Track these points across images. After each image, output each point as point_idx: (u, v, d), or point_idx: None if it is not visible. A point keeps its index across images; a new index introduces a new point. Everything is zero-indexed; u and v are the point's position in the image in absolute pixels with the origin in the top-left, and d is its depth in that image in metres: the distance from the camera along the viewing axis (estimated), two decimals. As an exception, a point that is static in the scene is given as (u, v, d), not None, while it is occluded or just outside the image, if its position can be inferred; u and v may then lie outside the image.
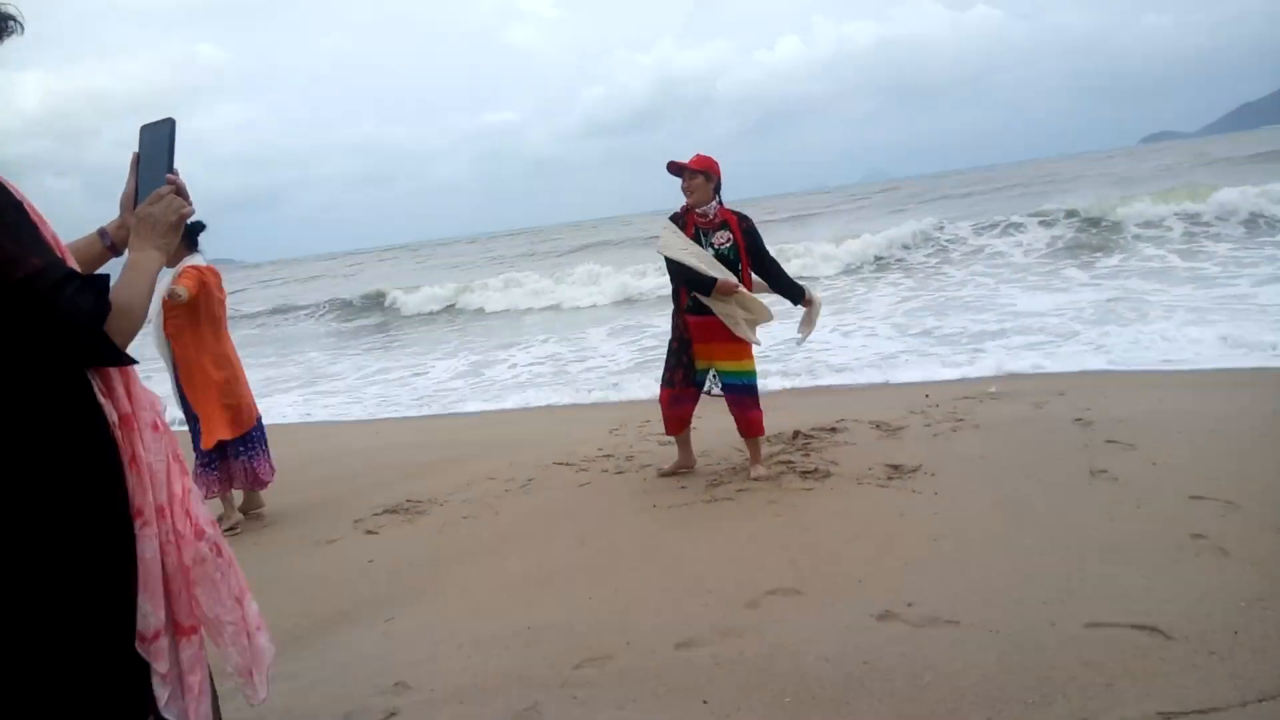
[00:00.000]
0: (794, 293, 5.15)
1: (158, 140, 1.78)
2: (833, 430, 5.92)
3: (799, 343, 5.47)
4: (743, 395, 5.05)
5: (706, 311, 4.91)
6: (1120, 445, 4.84)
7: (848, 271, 17.83)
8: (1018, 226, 18.91)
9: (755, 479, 4.97)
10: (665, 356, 5.20)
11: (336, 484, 5.97)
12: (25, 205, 1.53)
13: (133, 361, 1.58)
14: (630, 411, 7.56)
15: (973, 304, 11.96)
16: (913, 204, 35.81)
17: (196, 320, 4.92)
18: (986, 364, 7.91)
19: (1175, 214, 16.89)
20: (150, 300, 1.64)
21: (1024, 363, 7.77)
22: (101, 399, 1.56)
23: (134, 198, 1.78)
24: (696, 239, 4.94)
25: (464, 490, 5.48)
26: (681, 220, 5.02)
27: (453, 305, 21.63)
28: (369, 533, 4.87)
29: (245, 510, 5.36)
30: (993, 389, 6.99)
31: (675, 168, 4.97)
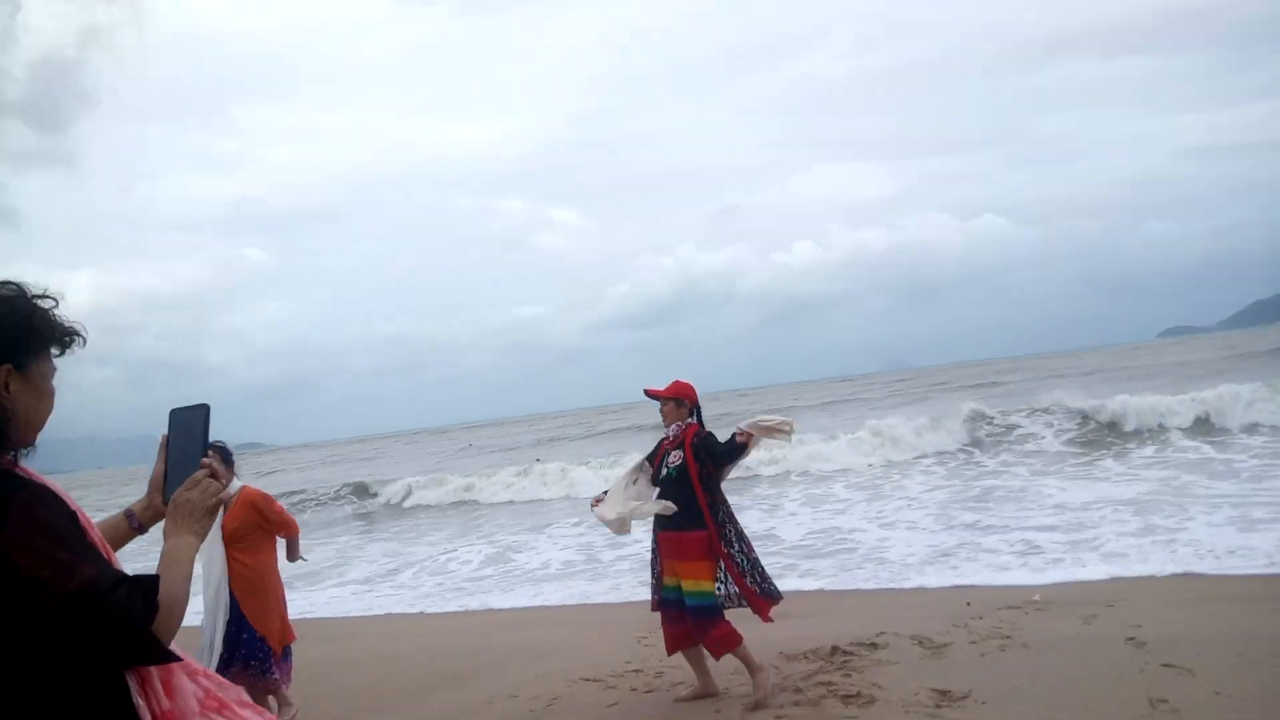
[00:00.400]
0: (735, 448, 5.02)
1: (191, 424, 1.80)
2: (873, 646, 5.66)
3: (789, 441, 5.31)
4: (701, 617, 4.86)
5: (673, 525, 4.89)
6: (1178, 670, 4.57)
7: (885, 464, 17.37)
8: (1047, 411, 18.50)
9: (758, 706, 4.72)
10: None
11: (351, 697, 5.73)
12: (79, 515, 1.59)
13: (178, 659, 1.58)
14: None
15: (1010, 495, 11.78)
16: (936, 393, 35.97)
17: (266, 532, 5.02)
18: (1028, 569, 7.68)
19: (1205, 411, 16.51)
20: (189, 588, 1.64)
21: (1067, 568, 7.52)
22: (138, 699, 1.55)
23: (163, 481, 1.80)
24: (659, 460, 5.13)
25: (484, 711, 5.23)
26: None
27: (471, 488, 21.15)
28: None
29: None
30: (1036, 597, 6.74)
31: (651, 394, 5.18)
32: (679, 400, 5.10)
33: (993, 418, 18.38)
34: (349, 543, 15.89)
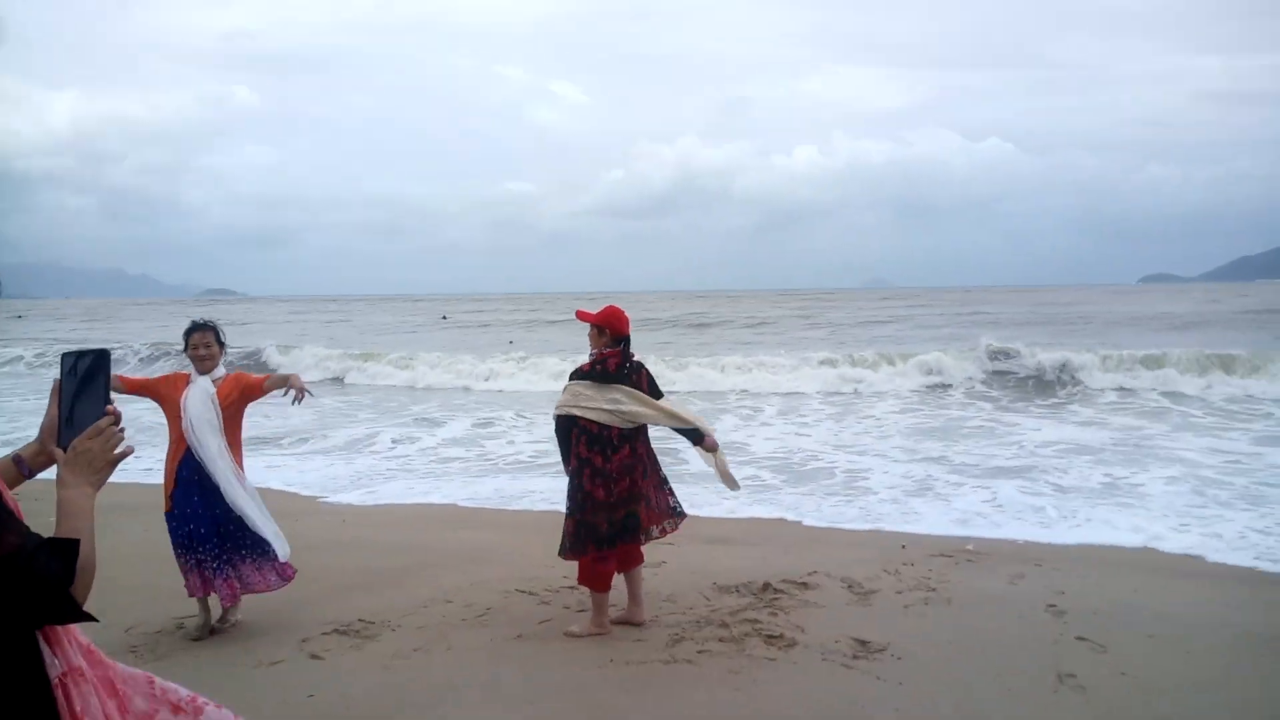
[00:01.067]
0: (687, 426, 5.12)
1: (93, 370, 1.71)
2: (803, 585, 5.80)
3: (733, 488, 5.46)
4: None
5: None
6: (1091, 646, 4.73)
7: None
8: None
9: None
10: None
11: (293, 588, 5.81)
12: None
13: (94, 619, 1.61)
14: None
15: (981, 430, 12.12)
16: (920, 310, 36.17)
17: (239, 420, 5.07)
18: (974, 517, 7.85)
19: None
20: (94, 542, 1.64)
21: (1009, 524, 7.68)
22: (47, 655, 1.60)
23: (57, 428, 1.72)
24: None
25: (420, 613, 5.33)
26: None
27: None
28: (313, 657, 4.70)
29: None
30: (970, 547, 6.91)
31: (580, 316, 5.19)
32: (600, 328, 5.03)
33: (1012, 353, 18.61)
34: (312, 408, 15.88)
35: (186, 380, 4.94)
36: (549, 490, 8.87)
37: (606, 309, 5.10)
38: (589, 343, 5.10)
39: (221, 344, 5.06)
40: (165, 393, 4.90)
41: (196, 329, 4.97)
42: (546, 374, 19.77)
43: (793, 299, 69.50)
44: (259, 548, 4.97)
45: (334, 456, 11.50)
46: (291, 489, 9.53)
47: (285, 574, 5.11)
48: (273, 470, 10.27)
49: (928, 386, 17.44)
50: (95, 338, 39.72)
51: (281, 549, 4.95)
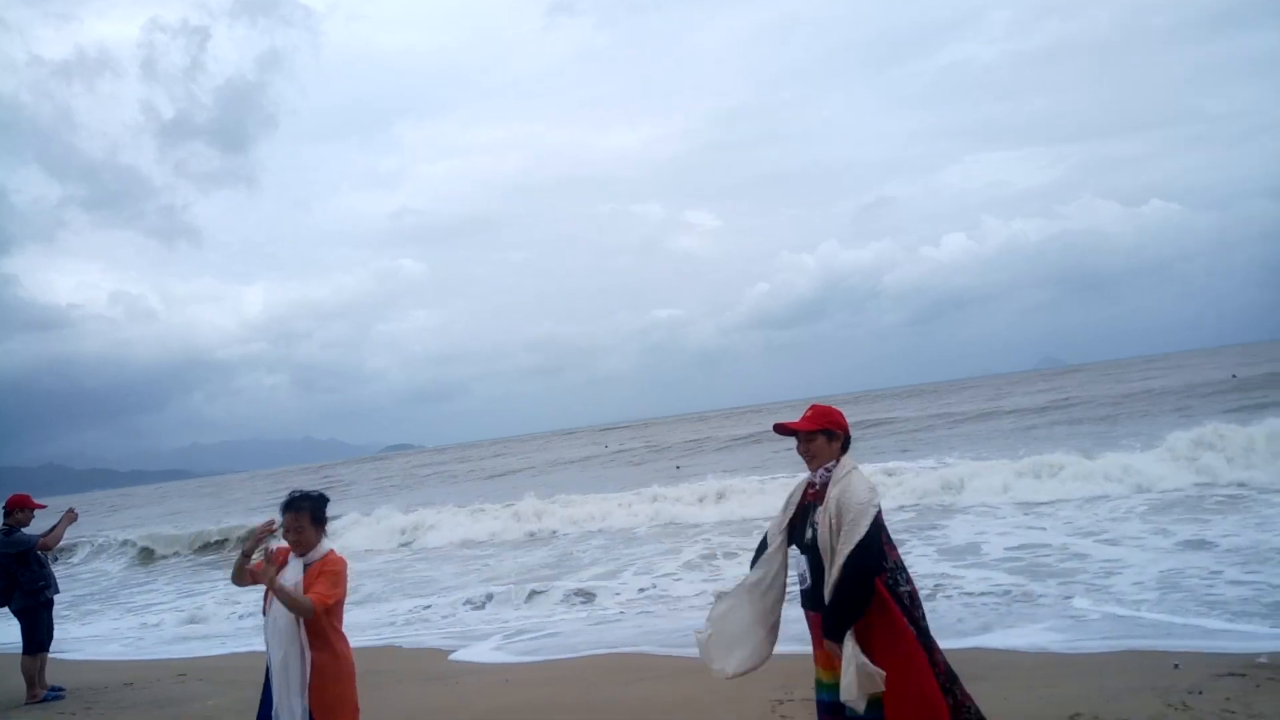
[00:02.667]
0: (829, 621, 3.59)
1: None
2: (1070, 734, 4.58)
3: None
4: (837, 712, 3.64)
5: (818, 602, 3.64)
6: None
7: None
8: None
9: None
10: None
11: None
12: None
13: None
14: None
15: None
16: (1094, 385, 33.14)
17: (337, 613, 4.21)
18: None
19: None
20: None
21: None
22: None
23: None
24: (801, 520, 3.79)
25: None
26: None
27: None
28: None
29: None
30: (1263, 659, 5.47)
31: (782, 429, 3.90)
32: (830, 432, 3.75)
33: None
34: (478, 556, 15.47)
35: (286, 557, 4.21)
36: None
37: (817, 409, 3.87)
38: (810, 460, 3.80)
39: (320, 522, 4.22)
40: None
41: (287, 508, 4.17)
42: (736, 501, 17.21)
43: (961, 389, 66.05)
44: None
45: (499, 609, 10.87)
46: (435, 644, 8.91)
47: None
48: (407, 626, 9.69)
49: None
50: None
51: None
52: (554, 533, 17.27)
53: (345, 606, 4.24)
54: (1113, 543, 9.85)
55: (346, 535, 19.25)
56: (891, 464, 18.65)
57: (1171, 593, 7.52)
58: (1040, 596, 7.94)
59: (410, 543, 18.60)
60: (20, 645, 8.05)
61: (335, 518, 21.95)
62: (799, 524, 3.79)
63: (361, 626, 10.09)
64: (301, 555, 4.13)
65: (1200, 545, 9.14)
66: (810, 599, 3.69)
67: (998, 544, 10.55)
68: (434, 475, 47.28)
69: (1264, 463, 12.97)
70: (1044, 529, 11.20)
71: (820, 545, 3.58)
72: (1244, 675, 5.27)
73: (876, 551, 3.48)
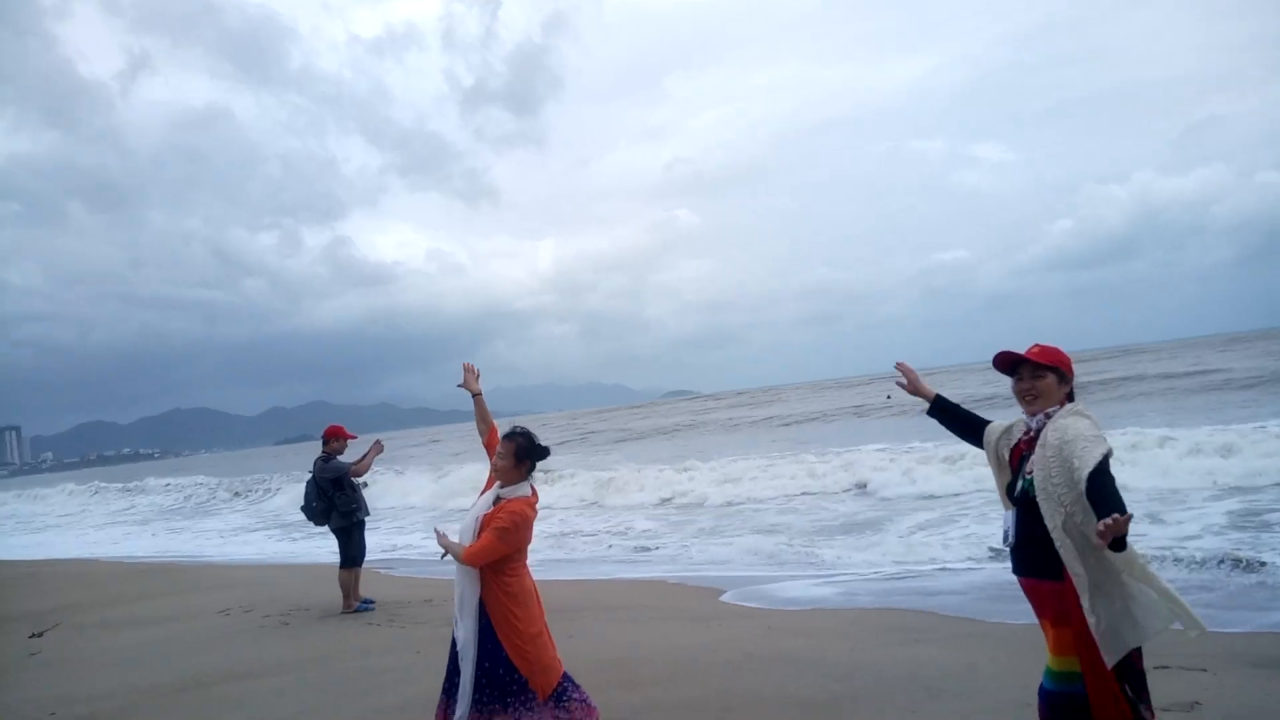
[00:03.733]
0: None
1: None
2: None
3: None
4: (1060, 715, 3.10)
5: (1032, 572, 3.23)
6: None
7: None
8: None
9: None
10: None
11: (692, 716, 4.93)
12: None
13: None
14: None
15: None
16: None
17: (512, 557, 4.15)
18: None
19: None
20: None
21: None
22: None
23: None
24: (1017, 467, 3.38)
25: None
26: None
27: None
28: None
29: None
30: None
31: (1007, 361, 3.41)
32: (1061, 373, 3.33)
33: None
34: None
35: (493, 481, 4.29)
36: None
37: (1043, 348, 3.40)
38: (1031, 400, 3.36)
39: (523, 459, 4.20)
40: (488, 476, 4.36)
41: (505, 436, 4.28)
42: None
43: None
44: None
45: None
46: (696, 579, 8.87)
47: None
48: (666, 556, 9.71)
49: None
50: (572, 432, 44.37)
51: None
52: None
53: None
54: None
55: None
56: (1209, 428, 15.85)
57: None
58: None
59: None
60: (339, 560, 9.04)
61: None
62: (1015, 472, 3.37)
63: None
64: (501, 487, 4.21)
65: None
66: (1023, 561, 3.27)
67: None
68: (736, 425, 47.99)
69: None
70: None
71: (1038, 490, 3.12)
72: None
73: (1113, 485, 2.94)
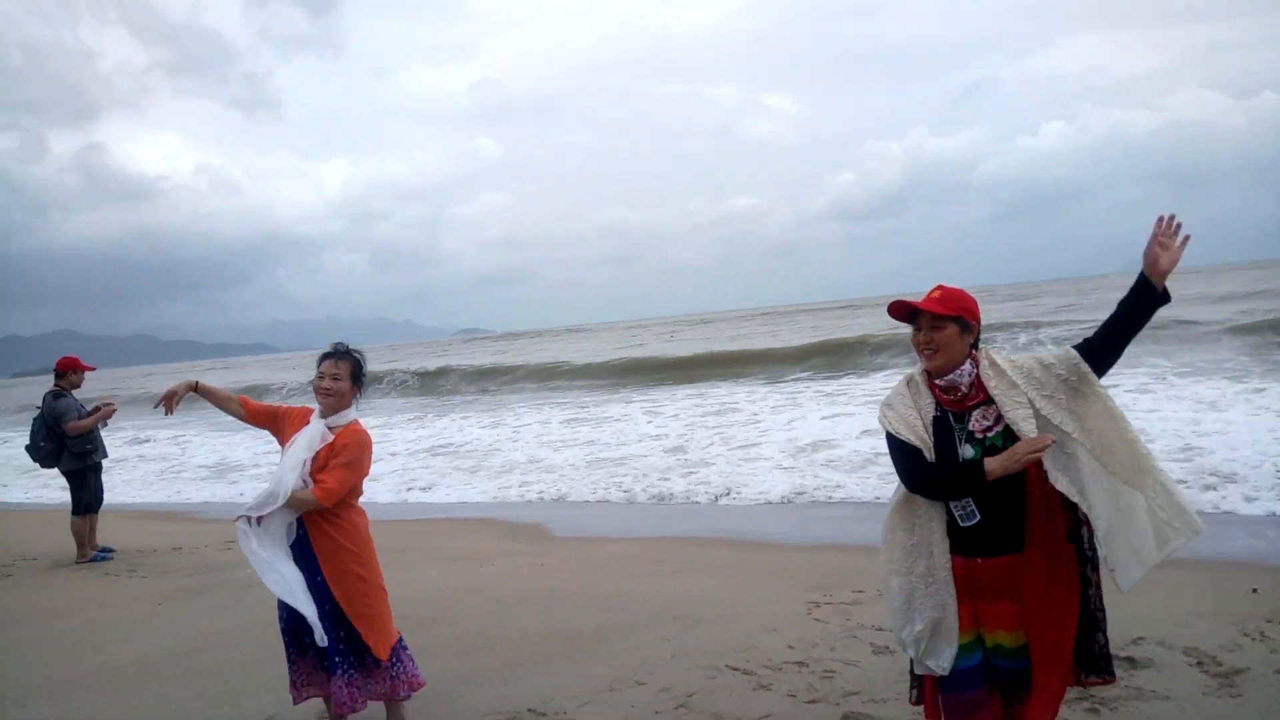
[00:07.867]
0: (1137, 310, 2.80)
1: None
2: (1131, 661, 4.16)
3: None
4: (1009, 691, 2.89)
5: (1000, 549, 2.79)
6: None
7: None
8: None
9: None
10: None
11: (463, 660, 4.89)
12: None
13: None
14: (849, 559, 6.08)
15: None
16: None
17: (355, 491, 3.83)
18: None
19: None
20: None
21: None
22: None
23: None
24: (940, 430, 2.86)
25: (602, 700, 4.20)
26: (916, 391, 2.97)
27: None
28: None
29: None
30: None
31: (902, 309, 2.94)
32: (964, 322, 2.88)
33: None
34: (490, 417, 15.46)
35: (307, 417, 3.86)
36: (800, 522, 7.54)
37: (946, 291, 2.92)
38: (931, 353, 2.88)
39: (359, 381, 3.86)
40: (284, 427, 3.87)
41: (328, 356, 3.83)
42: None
43: (1043, 291, 63.56)
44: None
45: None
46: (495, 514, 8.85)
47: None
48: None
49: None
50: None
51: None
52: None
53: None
54: None
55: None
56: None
57: None
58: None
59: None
60: (70, 506, 8.20)
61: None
62: (944, 447, 2.84)
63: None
64: (329, 414, 3.76)
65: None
66: (989, 539, 2.81)
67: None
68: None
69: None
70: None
71: (1021, 430, 2.74)
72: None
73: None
